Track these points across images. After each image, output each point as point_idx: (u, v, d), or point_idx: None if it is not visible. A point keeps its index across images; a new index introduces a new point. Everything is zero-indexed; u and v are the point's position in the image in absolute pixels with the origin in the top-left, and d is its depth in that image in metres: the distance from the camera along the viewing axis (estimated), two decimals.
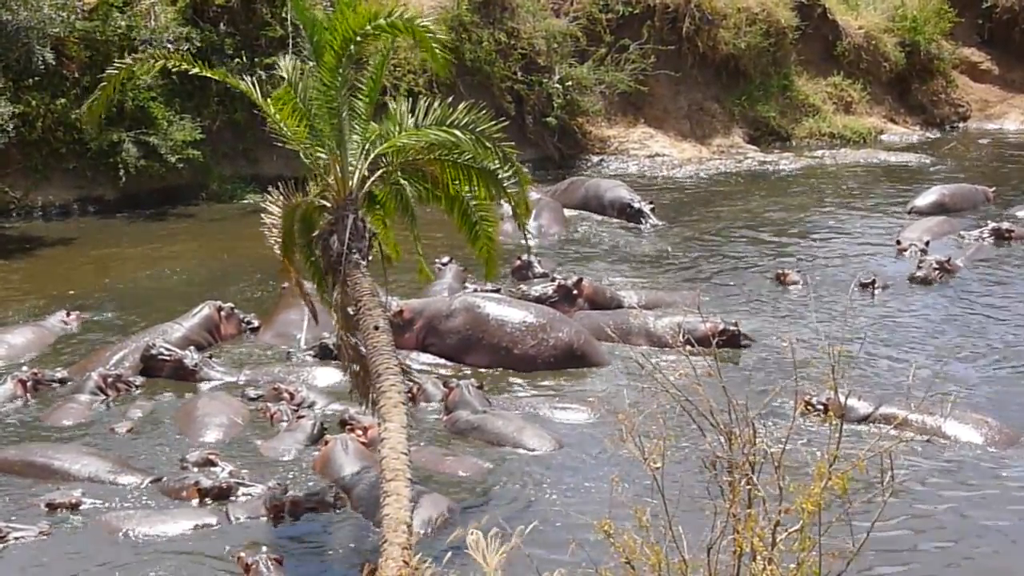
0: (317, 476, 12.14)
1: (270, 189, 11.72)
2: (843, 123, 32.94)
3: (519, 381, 15.08)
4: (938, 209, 24.03)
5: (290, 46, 23.57)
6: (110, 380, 14.54)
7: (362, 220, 11.04)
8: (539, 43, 29.45)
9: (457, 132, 11.21)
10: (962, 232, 21.94)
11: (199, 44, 24.97)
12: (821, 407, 12.02)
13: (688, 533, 7.03)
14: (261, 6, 26.36)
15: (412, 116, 11.43)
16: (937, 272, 18.86)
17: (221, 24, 26.18)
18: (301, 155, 11.43)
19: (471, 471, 12.29)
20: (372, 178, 11.26)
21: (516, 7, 29.48)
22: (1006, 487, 11.92)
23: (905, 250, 20.70)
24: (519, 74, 28.95)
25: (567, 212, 23.80)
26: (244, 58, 25.44)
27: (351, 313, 10.90)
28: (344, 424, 13.21)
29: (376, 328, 10.61)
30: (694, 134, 31.48)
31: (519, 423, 13.28)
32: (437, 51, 11.43)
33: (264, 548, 10.11)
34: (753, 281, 19.39)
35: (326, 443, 12.44)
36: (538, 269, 19.09)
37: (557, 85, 29.25)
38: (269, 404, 13.96)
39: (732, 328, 15.77)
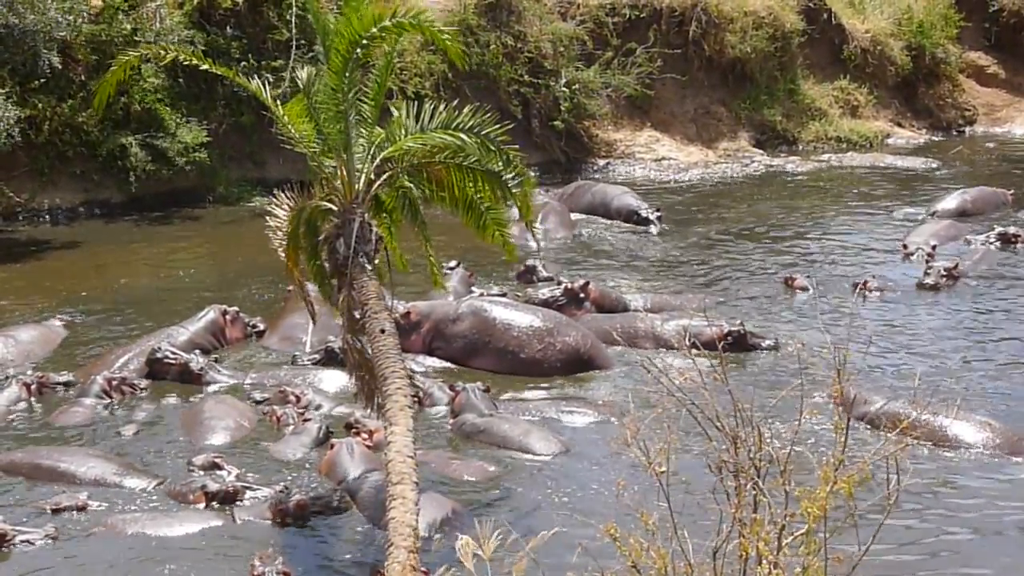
0: (323, 479, 12.14)
1: (276, 192, 11.73)
2: (849, 127, 32.89)
3: (526, 385, 15.07)
4: (961, 212, 24.05)
5: (293, 49, 23.63)
6: (115, 383, 14.56)
7: (368, 223, 11.04)
8: (545, 46, 29.44)
9: (462, 136, 11.22)
10: (968, 237, 21.92)
11: (205, 47, 24.98)
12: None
13: (694, 537, 7.02)
14: (267, 9, 26.36)
15: (417, 120, 11.44)
16: (944, 279, 18.85)
17: (227, 27, 26.19)
18: (308, 158, 11.44)
19: (477, 475, 12.29)
20: (378, 182, 11.27)
21: (522, 10, 29.47)
22: (1011, 491, 11.90)
23: (912, 254, 20.68)
24: (525, 77, 28.95)
25: (573, 216, 23.80)
26: (250, 61, 25.44)
27: (357, 316, 10.91)
28: (350, 427, 13.20)
29: (382, 331, 10.60)
30: (700, 138, 31.47)
31: (525, 427, 13.28)
32: (449, 42, 11.44)
33: (279, 560, 10.08)
34: (760, 285, 19.38)
35: (332, 446, 12.44)
36: (543, 273, 19.10)
37: (563, 89, 29.24)
38: (275, 407, 13.96)
39: (737, 329, 15.75)
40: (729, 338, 15.36)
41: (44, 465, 12.40)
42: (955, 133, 35.12)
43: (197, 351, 15.50)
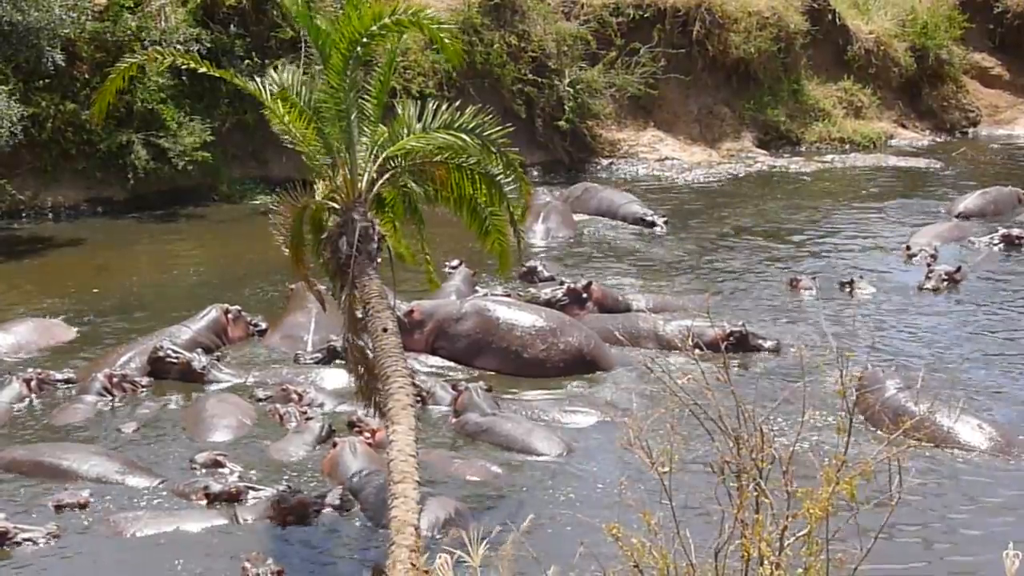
0: (325, 478, 12.13)
1: (278, 191, 11.72)
2: (853, 128, 32.89)
3: (528, 385, 15.06)
4: (982, 211, 24.12)
5: (303, 48, 23.62)
6: (116, 380, 14.56)
7: (371, 222, 11.03)
8: (549, 46, 29.45)
9: (464, 136, 11.22)
10: (971, 238, 21.90)
11: (209, 45, 25.01)
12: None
13: (696, 537, 7.02)
14: (272, 8, 26.36)
15: (420, 119, 11.43)
16: (946, 283, 18.84)
17: (232, 26, 26.21)
18: (305, 158, 11.43)
19: (479, 474, 12.28)
20: (381, 180, 11.26)
21: (527, 10, 29.48)
22: (1012, 493, 11.89)
23: (915, 255, 20.66)
24: (529, 77, 28.94)
25: (576, 217, 23.77)
26: (254, 60, 25.45)
27: (359, 315, 10.91)
28: (352, 426, 13.20)
29: (385, 330, 10.60)
30: (704, 138, 31.46)
31: (528, 426, 13.28)
32: (447, 41, 11.44)
33: (269, 560, 10.08)
34: (764, 286, 19.36)
35: (334, 445, 12.44)
36: (544, 273, 19.10)
37: (567, 88, 29.24)
38: (277, 405, 13.96)
39: (739, 330, 15.74)
40: (731, 338, 15.35)
41: (46, 463, 12.40)
42: (959, 134, 35.11)
43: (199, 350, 15.49)
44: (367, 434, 12.89)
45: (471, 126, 11.35)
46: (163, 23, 25.09)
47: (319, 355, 15.63)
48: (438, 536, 10.49)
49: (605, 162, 30.02)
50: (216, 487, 11.65)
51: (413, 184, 11.79)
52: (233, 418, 13.64)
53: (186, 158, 24.38)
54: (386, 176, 11.33)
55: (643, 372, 14.47)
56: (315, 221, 11.51)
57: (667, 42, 31.03)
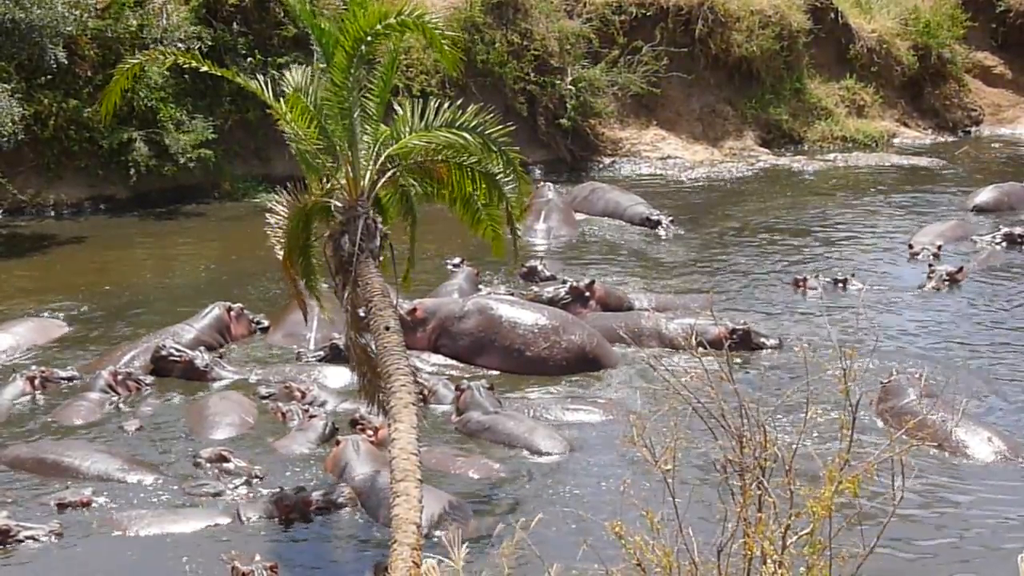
0: (328, 476, 12.14)
1: (279, 189, 11.73)
2: (855, 127, 32.88)
3: (531, 383, 15.06)
4: (997, 205, 24.29)
5: (313, 46, 23.60)
6: (120, 378, 14.57)
7: (373, 220, 11.04)
8: (552, 44, 29.46)
9: (466, 135, 11.23)
10: (974, 237, 21.90)
11: (212, 43, 25.02)
12: None
13: (699, 535, 7.02)
14: (274, 5, 26.36)
15: (422, 118, 11.44)
16: (947, 282, 18.83)
17: (234, 23, 26.22)
18: (306, 156, 11.42)
19: (482, 472, 12.28)
20: (383, 178, 11.27)
21: (529, 8, 29.49)
22: (1013, 494, 11.88)
23: (917, 254, 20.66)
24: (532, 75, 28.95)
25: (578, 216, 23.74)
26: (257, 57, 25.46)
27: (361, 313, 10.90)
28: (355, 424, 13.21)
29: (387, 329, 10.60)
30: (706, 136, 31.46)
31: (530, 424, 13.27)
32: (447, 48, 11.46)
33: (257, 556, 10.08)
34: (765, 284, 19.36)
35: (337, 443, 12.44)
36: (544, 272, 19.09)
37: (570, 87, 29.25)
38: (280, 403, 13.96)
39: (742, 327, 15.74)
40: (734, 336, 15.36)
41: (48, 460, 12.40)
42: (961, 133, 35.09)
43: (202, 348, 15.49)
44: (370, 432, 12.89)
45: (473, 125, 11.36)
46: (165, 21, 25.08)
47: (321, 353, 15.64)
48: (439, 534, 10.49)
49: (607, 161, 30.01)
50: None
51: (413, 182, 11.80)
52: (236, 416, 13.64)
53: (188, 154, 24.38)
54: (388, 174, 11.33)
55: (646, 370, 14.47)
56: (310, 220, 11.47)
57: (669, 40, 31.03)
